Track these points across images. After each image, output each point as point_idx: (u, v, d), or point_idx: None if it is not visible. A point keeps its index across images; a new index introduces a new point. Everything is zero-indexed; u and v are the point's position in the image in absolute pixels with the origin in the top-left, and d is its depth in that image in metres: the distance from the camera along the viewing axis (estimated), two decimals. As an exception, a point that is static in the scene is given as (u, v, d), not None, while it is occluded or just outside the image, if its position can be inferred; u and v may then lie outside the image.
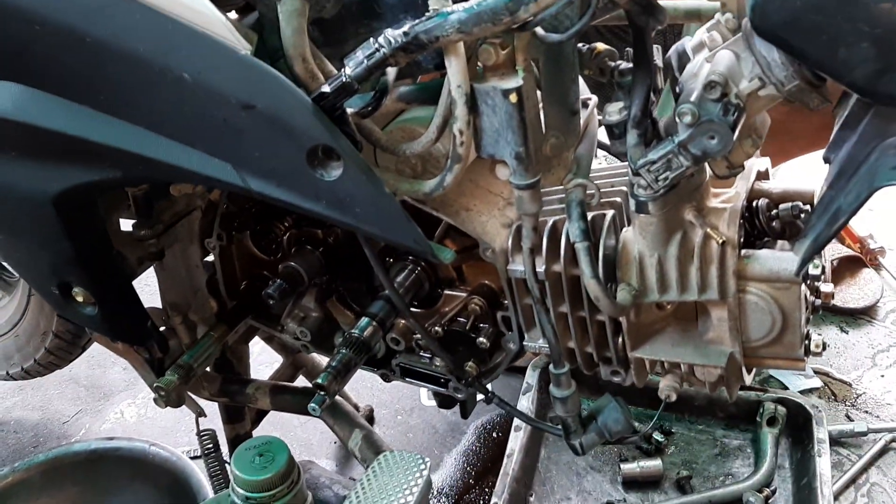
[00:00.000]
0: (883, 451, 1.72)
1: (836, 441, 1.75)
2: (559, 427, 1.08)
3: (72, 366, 1.95)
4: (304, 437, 1.83)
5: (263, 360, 1.93)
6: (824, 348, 1.03)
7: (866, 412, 1.85)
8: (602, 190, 1.07)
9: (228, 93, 0.91)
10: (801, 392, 1.88)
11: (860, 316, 2.10)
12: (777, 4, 0.70)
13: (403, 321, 1.23)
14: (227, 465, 1.53)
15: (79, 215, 1.08)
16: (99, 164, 1.00)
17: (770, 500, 1.57)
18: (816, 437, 1.61)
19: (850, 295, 2.13)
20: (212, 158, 0.96)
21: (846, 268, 2.19)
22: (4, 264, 1.91)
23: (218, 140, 0.95)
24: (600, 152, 1.28)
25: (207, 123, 0.94)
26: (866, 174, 0.75)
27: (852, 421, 1.81)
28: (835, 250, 2.23)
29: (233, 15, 1.12)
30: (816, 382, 1.91)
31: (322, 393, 1.07)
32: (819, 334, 1.03)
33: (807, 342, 1.03)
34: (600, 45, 1.02)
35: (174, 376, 1.23)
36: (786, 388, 1.88)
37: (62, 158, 1.01)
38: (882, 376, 1.93)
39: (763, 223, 1.02)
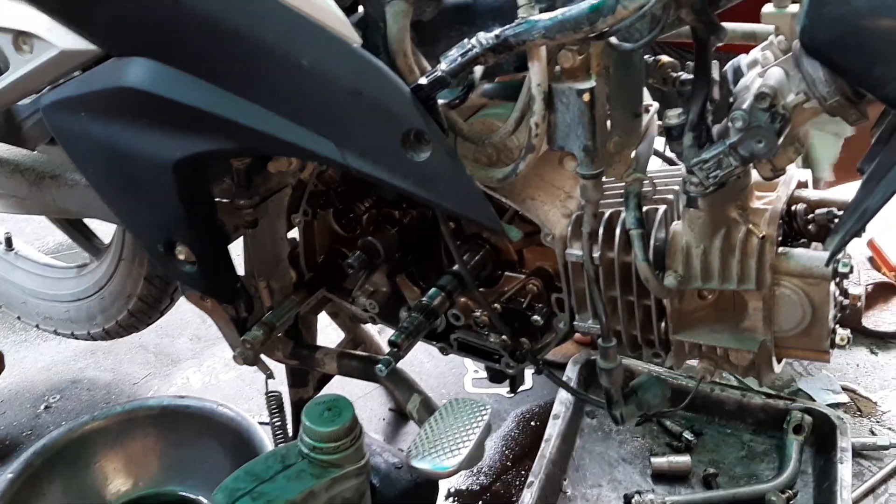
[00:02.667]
0: (903, 466, 1.81)
1: (859, 453, 1.83)
2: (602, 399, 1.20)
3: (141, 334, 2.11)
4: (357, 412, 1.96)
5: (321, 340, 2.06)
6: (849, 342, 1.13)
7: (890, 429, 1.93)
8: (657, 187, 1.20)
9: (339, 79, 1.05)
10: (829, 406, 1.97)
11: (890, 340, 2.18)
12: (823, 27, 0.83)
13: (465, 299, 1.37)
14: (288, 427, 1.66)
15: (193, 181, 1.22)
16: (218, 135, 1.15)
17: (791, 502, 1.66)
18: (840, 446, 1.70)
19: (882, 319, 2.21)
20: (318, 136, 1.10)
21: (880, 293, 2.28)
22: (95, 232, 2.09)
23: (325, 120, 1.09)
24: (656, 161, 1.41)
25: (318, 105, 1.08)
26: (892, 178, 0.87)
27: (876, 435, 1.89)
28: (870, 277, 2.32)
29: (340, 12, 1.27)
30: (843, 398, 2.00)
31: (394, 349, 1.20)
32: (845, 329, 1.14)
33: (833, 336, 1.14)
34: (665, 58, 1.14)
35: (259, 332, 1.37)
36: (813, 400, 1.97)
37: (186, 129, 1.16)
38: (908, 398, 2.01)
39: (800, 225, 1.13)
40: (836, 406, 1.97)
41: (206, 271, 1.30)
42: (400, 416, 1.99)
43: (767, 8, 1.06)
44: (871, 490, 1.76)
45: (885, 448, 1.83)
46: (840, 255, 1.07)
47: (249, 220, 1.35)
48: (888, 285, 2.29)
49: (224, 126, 1.12)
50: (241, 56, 1.07)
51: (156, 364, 2.22)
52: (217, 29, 1.05)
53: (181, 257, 1.30)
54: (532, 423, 1.95)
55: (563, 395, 1.80)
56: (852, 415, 1.96)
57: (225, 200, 1.36)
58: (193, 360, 2.22)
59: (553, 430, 1.74)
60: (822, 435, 1.75)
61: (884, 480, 1.78)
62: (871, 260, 2.43)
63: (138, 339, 2.23)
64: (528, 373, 2.10)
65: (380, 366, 1.27)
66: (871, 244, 2.42)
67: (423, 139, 1.05)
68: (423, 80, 1.03)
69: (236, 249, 1.45)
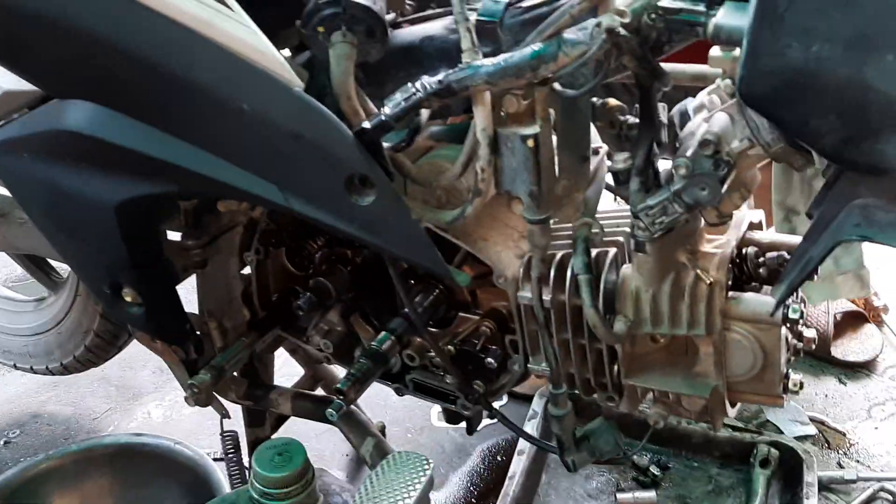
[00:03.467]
0: (871, 499, 1.79)
1: (827, 487, 1.82)
2: (555, 445, 1.18)
3: (104, 366, 2.07)
4: (318, 447, 1.93)
5: (285, 373, 2.03)
6: (801, 387, 1.12)
7: (857, 461, 1.91)
8: (607, 230, 1.18)
9: (281, 123, 1.03)
10: (796, 438, 1.95)
11: (859, 369, 2.17)
12: (759, 79, 0.81)
13: (420, 339, 1.34)
14: (245, 466, 1.63)
15: (136, 223, 1.20)
16: (160, 178, 1.13)
17: (758, 537, 1.64)
18: (806, 481, 1.68)
19: (850, 348, 2.20)
20: (260, 179, 1.08)
21: (849, 322, 2.27)
22: (53, 265, 2.05)
23: (267, 163, 1.07)
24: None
25: (260, 148, 1.06)
26: (834, 229, 0.85)
27: (843, 468, 1.87)
28: (839, 305, 2.31)
29: (287, 52, 1.26)
30: (811, 430, 1.99)
31: (341, 398, 1.18)
32: (797, 374, 1.13)
33: (786, 381, 1.12)
34: (612, 101, 1.13)
35: (207, 375, 1.34)
36: (781, 432, 1.96)
37: (127, 172, 1.13)
38: (876, 428, 2.00)
39: (750, 269, 1.12)
40: (803, 438, 1.95)
41: (152, 313, 1.28)
42: (364, 453, 1.97)
43: (714, 51, 1.05)
44: (838, 525, 1.75)
45: (853, 482, 1.82)
46: (790, 301, 1.05)
47: (198, 260, 1.33)
48: (857, 314, 2.28)
49: (165, 169, 1.10)
50: (181, 100, 1.05)
51: (117, 398, 2.19)
52: (156, 72, 1.03)
53: (128, 299, 1.27)
54: (498, 458, 1.93)
55: (530, 429, 1.78)
56: (820, 447, 1.95)
57: (176, 239, 1.33)
58: (155, 394, 2.18)
59: (518, 466, 1.72)
60: (789, 469, 1.74)
61: (850, 515, 1.76)
62: (840, 288, 2.42)
63: (100, 371, 2.18)
64: (496, 405, 2.07)
65: (330, 410, 1.24)
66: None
67: (368, 183, 1.03)
68: (366, 124, 1.01)
69: (190, 287, 1.43)
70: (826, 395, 2.10)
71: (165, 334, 1.33)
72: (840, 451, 1.94)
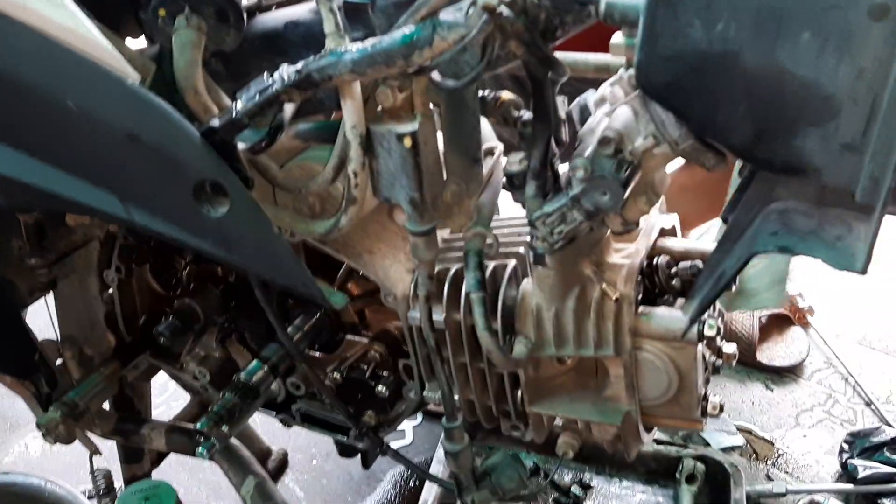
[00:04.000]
0: (801, 513, 1.71)
1: (756, 501, 1.74)
2: (452, 483, 1.05)
3: (-23, 395, 1.87)
4: (213, 479, 1.76)
5: (180, 396, 1.86)
6: (721, 410, 1.01)
7: (787, 472, 1.84)
8: (506, 240, 1.05)
9: (114, 123, 0.87)
10: (723, 449, 1.87)
11: (786, 374, 2.10)
12: (659, 65, 0.69)
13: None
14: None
15: (-40, 241, 1.03)
16: (-22, 189, 0.95)
17: (685, 559, 1.54)
18: (734, 498, 1.59)
19: (776, 353, 2.13)
20: (97, 189, 0.92)
21: (774, 325, 2.20)
22: None
23: (103, 171, 0.91)
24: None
25: (92, 153, 0.90)
26: (749, 238, 0.74)
27: (772, 481, 1.79)
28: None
29: (136, 44, 1.09)
30: (739, 440, 1.90)
31: (201, 439, 1.02)
32: (716, 395, 1.02)
33: (704, 403, 1.01)
34: (506, 94, 1.00)
35: (56, 414, 1.16)
36: (708, 444, 1.87)
37: (-60, 181, 0.96)
38: (804, 436, 1.92)
39: (662, 281, 1.00)
40: (731, 450, 1.87)
41: (-9, 344, 1.10)
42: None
43: (616, 38, 0.92)
44: (768, 542, 1.66)
45: (783, 495, 1.73)
46: (705, 316, 0.94)
47: (45, 281, 1.15)
48: (783, 316, 2.21)
49: (-19, 179, 0.92)
50: (-8, 96, 0.88)
51: (-9, 430, 1.98)
52: (-43, 63, 0.86)
53: (-39, 328, 1.09)
54: (410, 484, 1.79)
55: (441, 454, 1.65)
56: (748, 458, 1.87)
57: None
58: (33, 425, 1.97)
59: (429, 494, 1.58)
60: (716, 484, 1.65)
61: (780, 531, 1.68)
62: (765, 289, 2.36)
63: (-27, 401, 1.98)
64: (409, 425, 1.94)
65: (200, 449, 1.09)
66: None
67: (221, 191, 0.88)
68: (214, 122, 0.86)
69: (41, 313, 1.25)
70: (753, 403, 2.02)
71: (8, 366, 1.16)
72: (768, 463, 1.86)
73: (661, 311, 0.96)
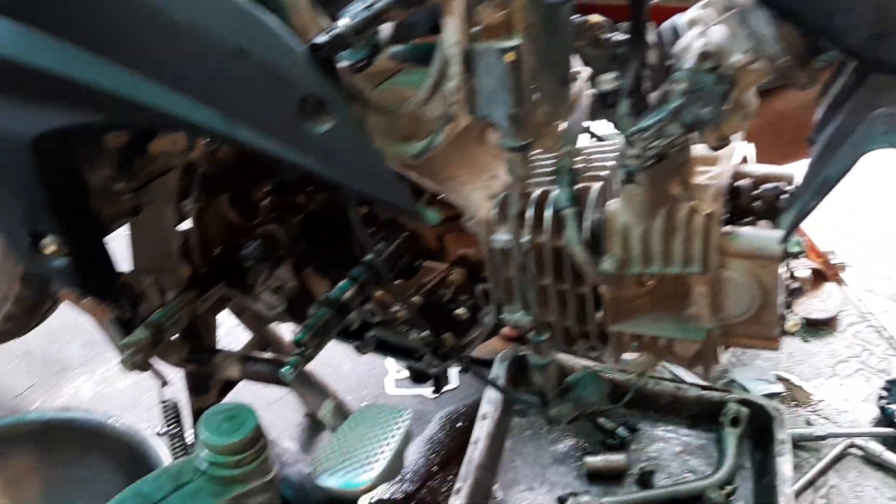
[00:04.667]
0: (841, 456, 1.75)
1: (797, 444, 1.77)
2: (535, 397, 1.08)
3: (27, 340, 1.90)
4: (268, 418, 1.78)
5: (227, 344, 1.89)
6: (800, 328, 1.04)
7: (826, 418, 1.87)
8: (590, 163, 1.08)
9: (221, 38, 0.90)
10: (764, 396, 1.90)
11: (822, 327, 2.14)
12: (779, -32, 0.72)
13: (381, 293, 1.22)
14: (188, 438, 1.50)
15: (56, 162, 1.06)
16: (83, 106, 0.98)
17: (731, 497, 1.58)
18: (778, 438, 1.63)
19: (813, 306, 2.17)
20: (199, 104, 0.94)
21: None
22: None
23: (207, 86, 0.94)
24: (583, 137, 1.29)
25: (198, 69, 0.93)
26: (854, 142, 0.77)
27: (812, 426, 1.83)
28: (798, 264, 2.26)
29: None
30: (778, 388, 1.94)
31: (301, 349, 1.06)
32: (794, 315, 1.05)
33: (783, 322, 1.04)
34: (595, 17, 1.02)
35: (144, 334, 1.20)
36: (748, 392, 1.90)
37: (45, 99, 0.99)
38: (841, 385, 1.96)
39: (745, 202, 1.03)
40: (771, 396, 1.90)
41: (79, 266, 1.13)
42: (318, 423, 1.84)
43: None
44: (811, 482, 1.70)
45: (823, 438, 1.77)
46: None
47: (129, 207, 1.18)
48: (817, 272, 2.25)
49: (88, 94, 0.96)
50: (102, 10, 0.91)
51: (42, 373, 2.02)
52: (73, -23, 0.88)
53: (50, 250, 1.12)
54: (458, 425, 1.82)
55: (492, 394, 1.68)
56: (787, 405, 1.90)
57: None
58: (85, 367, 2.02)
59: (481, 431, 1.62)
60: (760, 427, 1.68)
61: (823, 472, 1.72)
62: (798, 245, 2.39)
63: (23, 344, 2.01)
64: (454, 371, 1.97)
65: (286, 369, 1.12)
66: (797, 230, 2.38)
67: (323, 107, 0.91)
68: (320, 38, 0.89)
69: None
70: (790, 354, 2.06)
71: (94, 289, 1.19)
72: (807, 409, 1.90)
73: (747, 231, 0.99)
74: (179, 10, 0.88)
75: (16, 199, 1.09)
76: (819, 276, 2.27)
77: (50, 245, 1.11)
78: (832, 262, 2.31)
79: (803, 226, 2.15)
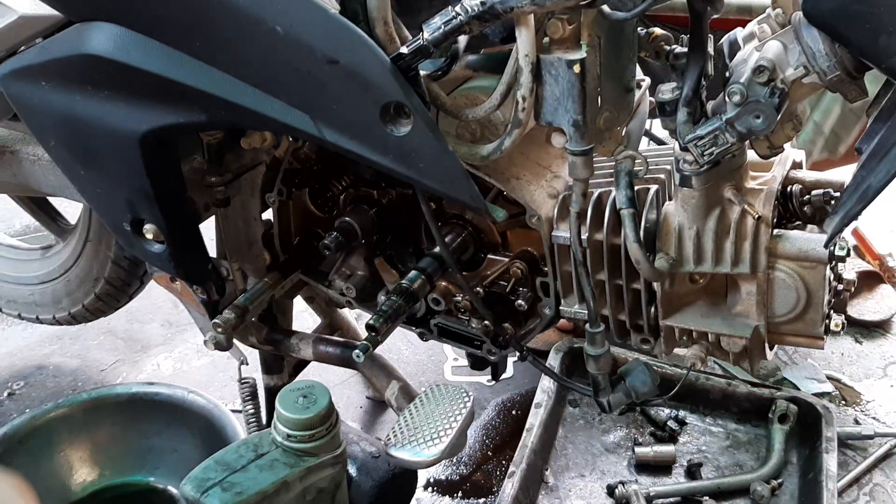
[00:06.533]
0: (887, 455, 1.78)
1: (843, 442, 1.81)
2: (589, 386, 1.16)
3: (110, 319, 2.04)
4: (334, 400, 1.91)
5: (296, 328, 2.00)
6: (843, 328, 1.10)
7: (874, 418, 1.90)
8: (648, 166, 1.15)
9: (315, 47, 0.99)
10: (814, 395, 1.94)
11: (875, 329, 2.16)
12: (828, -6, 0.78)
13: (445, 283, 1.31)
14: (261, 413, 1.61)
15: (160, 156, 1.16)
16: (187, 106, 1.08)
17: (776, 492, 1.63)
18: (825, 436, 1.67)
19: (866, 308, 2.19)
20: (292, 108, 1.04)
21: (864, 282, 2.25)
22: (61, 212, 2.01)
23: (300, 91, 1.03)
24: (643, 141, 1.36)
25: (292, 75, 1.02)
26: (897, 154, 0.83)
27: (860, 425, 1.86)
28: (855, 265, 2.29)
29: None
30: (828, 387, 1.98)
31: (372, 334, 1.15)
32: (839, 315, 1.10)
33: (827, 321, 1.10)
34: (658, 30, 1.10)
35: (231, 315, 1.31)
36: (798, 389, 1.94)
37: (153, 99, 1.09)
38: (892, 386, 1.99)
39: (795, 207, 1.09)
40: (820, 395, 1.94)
41: (175, 251, 1.24)
42: (378, 405, 1.94)
43: (763, -21, 1.01)
44: (856, 480, 1.74)
45: (870, 437, 1.81)
46: (837, 238, 1.03)
47: (221, 198, 1.29)
48: (872, 274, 2.27)
49: (193, 97, 1.05)
50: (211, 21, 1.00)
51: (125, 350, 2.15)
52: (183, -10, 0.99)
53: (149, 236, 1.23)
54: (513, 412, 1.91)
55: (546, 384, 1.76)
56: (837, 404, 1.94)
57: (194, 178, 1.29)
58: (164, 346, 2.15)
59: (535, 419, 1.70)
60: (807, 424, 1.73)
61: (868, 470, 1.75)
62: (855, 248, 2.41)
63: (107, 323, 2.16)
64: (510, 361, 2.05)
65: (356, 351, 1.21)
66: (855, 233, 2.40)
67: (404, 112, 0.99)
68: (403, 49, 0.97)
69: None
70: (842, 354, 2.09)
71: (187, 273, 1.29)
72: (856, 409, 1.93)
73: (795, 234, 1.05)
74: (282, 23, 0.97)
75: (122, 188, 1.20)
76: (875, 278, 2.29)
77: (149, 232, 1.23)
78: (889, 264, 2.32)
79: (861, 228, 2.20)
